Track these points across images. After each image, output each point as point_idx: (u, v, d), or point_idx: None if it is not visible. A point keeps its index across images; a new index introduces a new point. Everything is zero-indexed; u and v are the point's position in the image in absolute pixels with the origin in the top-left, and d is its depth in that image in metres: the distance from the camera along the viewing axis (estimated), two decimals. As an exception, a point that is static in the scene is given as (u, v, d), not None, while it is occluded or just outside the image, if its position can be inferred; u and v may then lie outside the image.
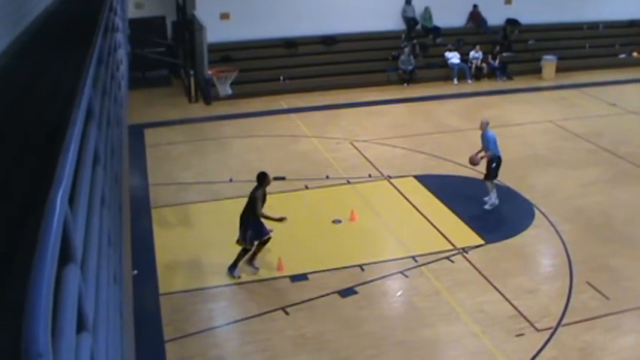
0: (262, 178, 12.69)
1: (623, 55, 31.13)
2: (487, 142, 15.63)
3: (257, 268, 13.10)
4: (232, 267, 12.87)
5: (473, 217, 15.38)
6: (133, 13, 25.38)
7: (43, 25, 7.96)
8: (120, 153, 7.73)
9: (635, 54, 31.26)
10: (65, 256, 2.55)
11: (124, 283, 5.54)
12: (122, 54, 12.70)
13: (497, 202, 15.88)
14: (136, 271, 11.28)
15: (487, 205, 15.86)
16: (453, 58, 28.37)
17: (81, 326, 2.61)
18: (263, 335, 11.10)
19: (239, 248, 12.86)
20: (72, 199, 2.99)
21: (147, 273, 12.83)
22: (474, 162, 15.79)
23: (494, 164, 15.70)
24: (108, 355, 3.29)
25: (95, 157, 4.19)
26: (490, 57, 28.82)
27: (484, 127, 15.76)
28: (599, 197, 16.44)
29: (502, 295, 12.23)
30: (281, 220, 12.86)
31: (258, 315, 11.67)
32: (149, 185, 17.25)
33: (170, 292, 12.40)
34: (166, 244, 14.21)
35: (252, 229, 12.66)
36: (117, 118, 8.05)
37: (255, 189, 12.68)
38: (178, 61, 27.10)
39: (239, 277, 12.85)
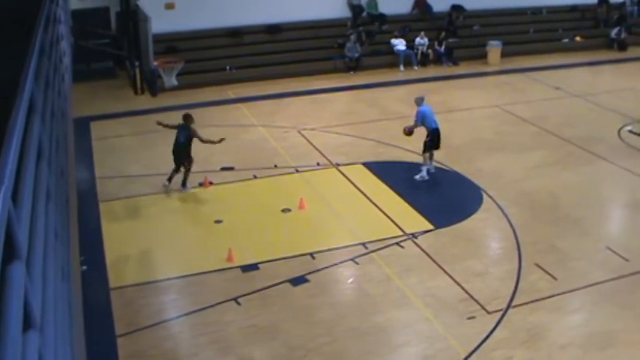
0: (190, 117, 15.99)
1: (566, 40, 31.59)
2: (422, 118, 16.32)
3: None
4: (183, 184, 16.19)
5: (422, 202, 15.51)
6: (75, 4, 24.92)
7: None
8: (65, 147, 7.61)
9: (577, 38, 31.76)
10: (9, 253, 2.50)
11: (72, 278, 5.46)
12: (65, 46, 12.50)
13: (427, 177, 16.54)
14: (85, 267, 11.13)
15: (417, 175, 16.54)
16: (399, 44, 28.47)
17: (27, 324, 2.57)
18: (215, 326, 11.06)
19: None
20: (15, 195, 2.93)
21: (96, 267, 12.66)
22: (407, 132, 16.81)
23: (428, 137, 16.36)
24: (57, 353, 3.24)
25: (39, 151, 4.12)
26: (436, 43, 29.01)
27: (418, 102, 16.53)
28: (546, 180, 16.71)
29: (452, 279, 12.37)
30: (221, 141, 15.94)
31: (210, 306, 11.62)
32: (96, 179, 17.00)
33: (121, 286, 12.27)
34: (115, 237, 14.04)
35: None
36: (61, 111, 7.92)
37: (189, 127, 15.79)
38: (123, 52, 26.70)
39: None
